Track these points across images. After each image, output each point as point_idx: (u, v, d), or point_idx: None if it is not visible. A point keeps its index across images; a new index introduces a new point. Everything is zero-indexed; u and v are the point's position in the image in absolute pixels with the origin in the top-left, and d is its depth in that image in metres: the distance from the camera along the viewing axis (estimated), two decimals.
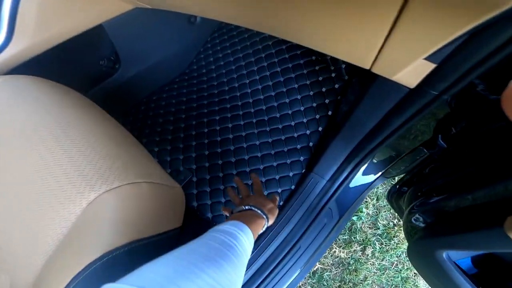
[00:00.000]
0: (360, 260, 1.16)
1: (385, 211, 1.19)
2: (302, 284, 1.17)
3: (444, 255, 0.53)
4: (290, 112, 0.87)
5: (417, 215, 0.62)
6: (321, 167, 0.75)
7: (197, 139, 0.93)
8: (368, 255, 1.16)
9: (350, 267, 1.16)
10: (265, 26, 0.51)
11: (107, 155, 0.43)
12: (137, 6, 0.74)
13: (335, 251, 1.18)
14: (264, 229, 0.49)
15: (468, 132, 0.52)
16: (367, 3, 0.35)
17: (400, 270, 1.14)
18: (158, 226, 0.46)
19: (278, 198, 0.61)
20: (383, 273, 1.15)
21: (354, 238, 1.18)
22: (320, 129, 0.82)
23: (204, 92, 1.05)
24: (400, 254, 1.16)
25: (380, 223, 1.18)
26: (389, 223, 1.19)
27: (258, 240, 0.73)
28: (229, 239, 0.35)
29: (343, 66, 0.84)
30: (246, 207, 0.49)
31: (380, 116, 0.60)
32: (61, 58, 0.74)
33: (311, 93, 0.87)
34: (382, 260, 1.16)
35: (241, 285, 0.32)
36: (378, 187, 1.21)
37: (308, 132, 0.83)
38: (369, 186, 0.82)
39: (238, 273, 0.32)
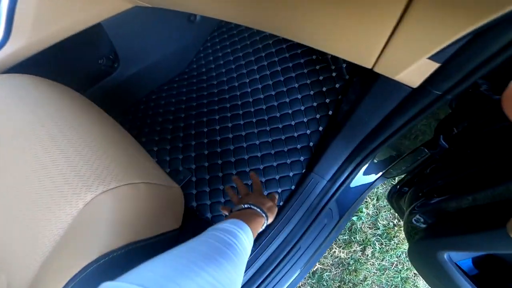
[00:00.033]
0: (360, 260, 1.16)
1: (385, 211, 1.19)
2: (302, 284, 1.16)
3: (445, 256, 0.53)
4: (290, 111, 0.87)
5: (418, 216, 0.61)
6: (321, 167, 0.74)
7: (196, 138, 0.93)
8: (368, 255, 1.16)
9: (350, 267, 1.16)
10: (265, 25, 0.51)
11: (104, 155, 0.43)
12: (136, 4, 0.73)
13: (335, 251, 1.17)
14: (263, 227, 0.49)
15: (470, 133, 0.52)
16: (372, 2, 0.35)
17: (400, 271, 1.14)
18: (156, 227, 0.46)
19: (277, 196, 0.60)
20: (383, 274, 1.15)
21: (354, 238, 1.18)
22: (320, 128, 0.82)
23: (204, 91, 1.04)
24: (400, 254, 1.15)
25: (380, 223, 1.18)
26: (389, 223, 1.18)
27: (258, 240, 0.73)
28: (228, 237, 0.35)
29: (344, 65, 0.84)
30: (245, 206, 0.49)
31: (382, 115, 0.60)
32: (60, 57, 0.74)
33: (312, 92, 0.86)
34: (382, 260, 1.16)
35: (241, 283, 0.32)
36: (378, 187, 1.21)
37: (308, 131, 0.83)
38: (369, 186, 0.81)
39: (238, 271, 0.32)
